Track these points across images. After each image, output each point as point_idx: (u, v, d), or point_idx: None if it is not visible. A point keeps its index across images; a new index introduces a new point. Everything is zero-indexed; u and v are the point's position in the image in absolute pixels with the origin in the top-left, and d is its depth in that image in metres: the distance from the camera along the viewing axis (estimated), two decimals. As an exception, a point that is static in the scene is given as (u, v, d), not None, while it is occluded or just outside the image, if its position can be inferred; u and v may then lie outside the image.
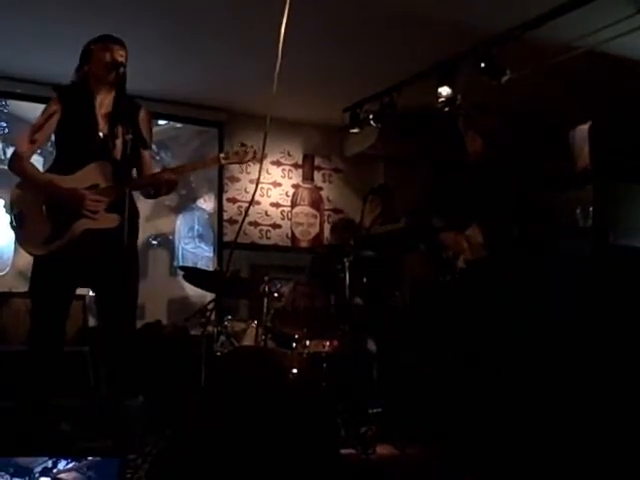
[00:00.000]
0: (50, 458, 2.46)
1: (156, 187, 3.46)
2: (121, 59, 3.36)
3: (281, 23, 3.07)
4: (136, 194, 3.52)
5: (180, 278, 5.17)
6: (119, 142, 3.33)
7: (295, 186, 7.70)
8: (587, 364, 3.87)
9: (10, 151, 5.90)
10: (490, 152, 3.83)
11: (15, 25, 5.23)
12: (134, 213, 3.41)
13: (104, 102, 3.42)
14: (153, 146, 3.75)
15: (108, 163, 3.32)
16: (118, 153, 3.33)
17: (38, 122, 3.37)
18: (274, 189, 7.54)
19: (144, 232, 6.49)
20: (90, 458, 2.46)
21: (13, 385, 3.37)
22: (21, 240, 3.34)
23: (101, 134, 3.36)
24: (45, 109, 3.41)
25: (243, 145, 3.55)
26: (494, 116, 4.06)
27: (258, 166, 3.65)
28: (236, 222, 7.14)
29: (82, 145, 3.34)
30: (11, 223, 3.33)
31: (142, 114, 3.51)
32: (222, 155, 3.55)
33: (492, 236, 3.94)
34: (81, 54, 3.47)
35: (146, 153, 3.50)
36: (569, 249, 4.04)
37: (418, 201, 4.46)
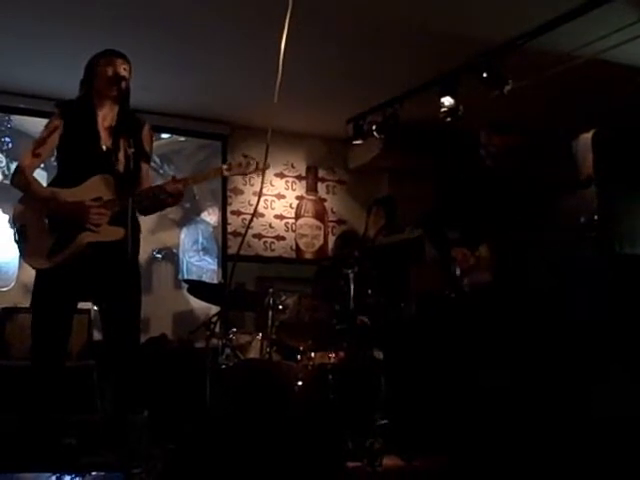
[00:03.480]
0: (54, 474, 2.45)
1: (158, 199, 3.44)
2: (124, 73, 3.37)
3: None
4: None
5: (185, 291, 5.17)
6: (122, 156, 3.33)
7: (299, 198, 7.70)
8: (597, 379, 3.85)
9: (14, 166, 5.92)
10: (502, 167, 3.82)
11: (18, 40, 5.26)
12: (136, 227, 3.41)
13: (107, 116, 3.43)
14: (156, 159, 3.74)
15: (111, 176, 3.32)
16: (121, 167, 3.33)
17: (40, 137, 3.38)
18: (278, 201, 7.55)
19: (149, 246, 6.52)
20: (94, 473, 2.45)
21: (18, 400, 3.36)
22: (25, 254, 3.34)
23: (104, 147, 3.36)
24: (47, 124, 3.42)
25: (245, 156, 3.55)
26: (511, 134, 4.03)
27: (261, 178, 3.64)
28: (240, 234, 7.13)
29: (85, 159, 3.34)
30: (15, 237, 3.34)
31: (146, 129, 3.52)
32: (225, 166, 3.54)
33: (502, 257, 3.91)
34: (85, 68, 3.48)
35: (145, 167, 3.51)
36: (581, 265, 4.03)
37: (432, 210, 4.43)
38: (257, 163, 3.53)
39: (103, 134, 3.40)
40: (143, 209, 3.51)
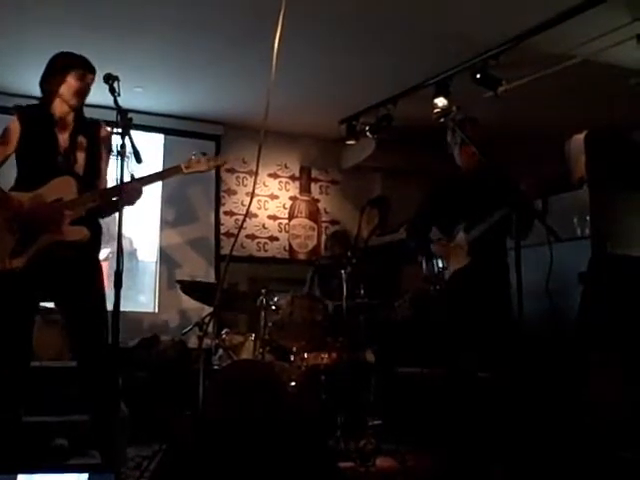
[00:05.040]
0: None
1: (114, 200, 3.43)
2: (90, 84, 3.41)
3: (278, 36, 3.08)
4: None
5: (178, 292, 5.16)
6: (81, 158, 3.37)
7: (292, 198, 7.70)
8: (582, 371, 3.86)
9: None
10: (484, 161, 3.82)
11: (17, 40, 5.26)
12: (97, 226, 3.43)
13: (66, 119, 3.43)
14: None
15: (71, 178, 3.34)
16: (80, 168, 3.37)
17: (2, 137, 3.39)
18: (271, 201, 7.54)
19: (141, 246, 6.51)
20: (85, 474, 2.43)
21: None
22: None
23: (62, 149, 3.37)
24: (7, 127, 3.42)
25: (204, 154, 3.56)
26: (480, 127, 4.04)
27: (255, 179, 3.64)
28: (233, 235, 7.13)
29: (44, 161, 3.36)
30: None
31: (102, 129, 3.53)
32: (184, 164, 3.53)
33: (477, 242, 3.92)
34: (50, 67, 3.46)
35: (104, 167, 3.51)
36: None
37: (417, 213, 4.43)
38: (216, 159, 3.63)
39: (61, 138, 3.40)
40: (100, 211, 3.49)
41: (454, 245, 4.02)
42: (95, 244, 3.33)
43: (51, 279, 3.29)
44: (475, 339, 3.80)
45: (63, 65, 3.44)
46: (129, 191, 3.34)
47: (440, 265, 4.08)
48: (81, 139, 3.38)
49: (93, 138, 3.37)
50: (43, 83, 3.46)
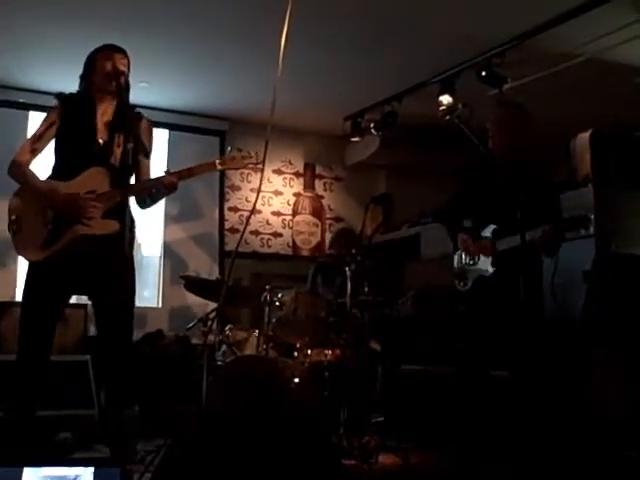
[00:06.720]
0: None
1: (151, 192, 3.45)
2: (123, 68, 3.36)
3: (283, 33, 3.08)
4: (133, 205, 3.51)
5: (182, 287, 5.17)
6: (118, 150, 3.33)
7: (296, 195, 7.71)
8: (585, 368, 3.86)
9: None
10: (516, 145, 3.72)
11: (22, 39, 5.28)
12: (131, 221, 3.40)
13: (106, 110, 3.41)
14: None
15: (105, 169, 3.31)
16: (116, 160, 3.33)
17: (38, 131, 3.37)
18: (275, 198, 7.55)
19: (145, 241, 6.52)
20: (90, 468, 2.43)
21: (12, 393, 3.35)
22: (18, 246, 3.32)
23: (100, 141, 3.35)
24: (46, 117, 3.41)
25: (240, 150, 3.52)
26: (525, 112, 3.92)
27: (259, 175, 3.61)
28: (237, 231, 7.14)
29: (81, 151, 3.33)
30: (9, 229, 3.32)
31: (144, 124, 3.50)
32: (218, 161, 3.51)
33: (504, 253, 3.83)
34: (84, 63, 3.47)
35: (146, 162, 3.50)
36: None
37: (449, 203, 4.29)
38: (251, 156, 3.49)
39: (100, 128, 3.38)
40: (141, 203, 3.51)
41: (480, 242, 3.86)
42: (127, 238, 3.16)
43: (81, 273, 3.28)
44: (492, 338, 3.72)
45: (91, 54, 3.45)
46: (167, 185, 3.37)
47: (467, 260, 3.93)
48: (120, 131, 3.32)
49: (133, 131, 3.27)
50: (82, 82, 3.46)
